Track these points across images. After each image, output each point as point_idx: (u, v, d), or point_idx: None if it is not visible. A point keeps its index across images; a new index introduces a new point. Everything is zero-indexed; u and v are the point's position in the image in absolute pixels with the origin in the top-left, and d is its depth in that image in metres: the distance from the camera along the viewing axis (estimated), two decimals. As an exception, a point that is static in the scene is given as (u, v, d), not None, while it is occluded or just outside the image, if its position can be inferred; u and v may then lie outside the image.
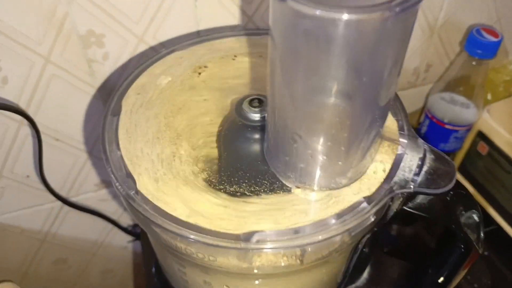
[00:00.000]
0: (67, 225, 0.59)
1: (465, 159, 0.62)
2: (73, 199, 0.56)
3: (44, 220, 0.57)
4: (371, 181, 0.29)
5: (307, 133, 0.26)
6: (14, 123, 0.45)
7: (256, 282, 0.31)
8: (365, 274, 0.41)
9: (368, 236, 0.33)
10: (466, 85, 0.57)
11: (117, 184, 0.28)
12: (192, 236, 0.26)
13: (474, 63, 0.54)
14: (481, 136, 0.58)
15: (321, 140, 0.26)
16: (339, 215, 0.27)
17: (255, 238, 0.26)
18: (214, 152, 0.31)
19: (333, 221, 0.27)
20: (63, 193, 0.55)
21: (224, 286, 0.32)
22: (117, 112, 0.33)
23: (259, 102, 0.32)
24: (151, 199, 0.27)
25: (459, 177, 0.62)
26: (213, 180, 0.29)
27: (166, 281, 0.41)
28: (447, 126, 0.59)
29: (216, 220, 0.26)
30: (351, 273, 0.39)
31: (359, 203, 0.28)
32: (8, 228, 0.55)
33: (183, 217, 0.27)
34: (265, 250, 0.26)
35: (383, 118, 0.28)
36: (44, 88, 0.44)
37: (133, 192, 0.28)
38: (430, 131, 0.61)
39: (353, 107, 0.24)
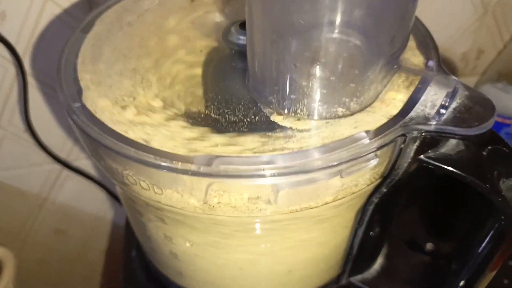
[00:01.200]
0: (66, 192, 0.55)
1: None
2: (74, 163, 0.52)
3: (42, 182, 0.54)
4: (379, 114, 0.22)
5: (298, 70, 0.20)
6: (12, 67, 0.42)
7: (223, 240, 0.25)
8: (377, 266, 0.33)
9: (374, 201, 0.26)
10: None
11: (61, 94, 0.23)
12: (124, 150, 0.20)
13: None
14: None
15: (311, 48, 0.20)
16: (328, 148, 0.20)
17: (215, 163, 0.20)
18: (193, 77, 0.25)
19: (318, 154, 0.20)
20: (62, 155, 0.51)
21: (187, 243, 0.26)
22: (87, 30, 0.28)
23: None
24: (97, 116, 0.22)
25: None
26: (180, 105, 0.23)
27: (145, 261, 0.36)
28: (497, 119, 0.50)
29: (167, 142, 0.21)
30: (359, 261, 0.32)
31: (357, 138, 0.21)
32: (7, 187, 0.53)
33: (128, 133, 0.21)
34: (223, 178, 0.20)
35: (398, 50, 0.21)
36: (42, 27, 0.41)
37: (78, 105, 0.23)
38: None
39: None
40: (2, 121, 0.46)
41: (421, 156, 0.23)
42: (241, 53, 0.26)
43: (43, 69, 0.43)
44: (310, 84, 0.21)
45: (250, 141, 0.21)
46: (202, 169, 0.19)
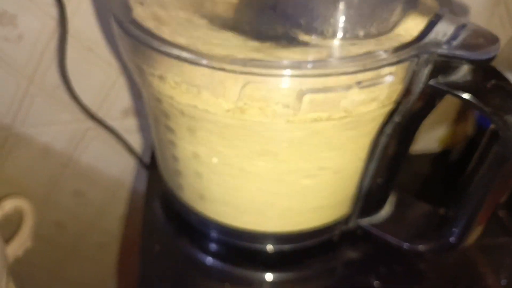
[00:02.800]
0: (91, 153, 0.58)
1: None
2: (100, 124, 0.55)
3: (68, 141, 0.56)
4: (396, 39, 0.25)
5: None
6: (52, 20, 0.45)
7: (248, 152, 0.27)
8: (383, 212, 0.35)
9: (387, 132, 0.28)
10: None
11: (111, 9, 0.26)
12: (169, 50, 0.23)
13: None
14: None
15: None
16: (349, 59, 0.23)
17: (249, 63, 0.22)
18: None
19: (339, 62, 0.23)
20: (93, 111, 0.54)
21: (214, 158, 0.28)
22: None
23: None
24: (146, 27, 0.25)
25: None
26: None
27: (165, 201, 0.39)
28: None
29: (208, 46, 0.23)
30: (367, 203, 0.34)
31: (376, 53, 0.23)
32: (34, 144, 0.56)
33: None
34: (256, 77, 0.22)
35: None
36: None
37: (129, 21, 0.26)
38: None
39: None
40: (36, 77, 0.49)
41: (432, 82, 0.25)
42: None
43: (84, 29, 0.46)
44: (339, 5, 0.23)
45: (280, 51, 0.23)
46: (238, 68, 0.22)
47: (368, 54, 0.23)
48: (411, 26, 0.25)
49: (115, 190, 0.64)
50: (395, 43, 0.24)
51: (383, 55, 0.23)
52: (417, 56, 0.24)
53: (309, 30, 0.25)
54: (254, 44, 0.23)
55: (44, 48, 0.47)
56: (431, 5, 0.28)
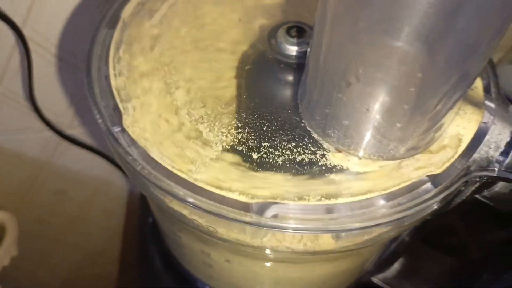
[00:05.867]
0: (67, 157, 0.54)
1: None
2: (75, 130, 0.50)
3: (41, 148, 0.51)
4: (442, 155, 0.21)
5: (363, 77, 0.18)
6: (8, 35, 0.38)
7: (267, 264, 0.24)
8: (397, 265, 0.34)
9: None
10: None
11: (98, 117, 0.21)
12: (180, 193, 0.19)
13: None
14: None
15: (379, 91, 0.18)
16: (391, 196, 0.20)
17: (271, 211, 0.18)
18: (231, 91, 0.23)
19: (382, 202, 0.19)
20: (64, 120, 0.49)
21: (225, 261, 0.25)
22: (113, 25, 0.25)
23: (298, 31, 0.24)
24: (138, 141, 0.20)
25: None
26: (226, 129, 0.21)
27: (162, 241, 0.36)
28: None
29: (221, 179, 0.19)
30: (381, 263, 0.32)
31: (421, 183, 0.20)
32: (5, 150, 0.50)
33: (177, 169, 0.20)
34: (282, 229, 0.19)
35: (472, 79, 0.19)
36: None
37: (118, 129, 0.21)
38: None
39: (432, 57, 0.16)
40: (2, 85, 0.43)
41: (477, 196, 0.22)
42: (288, 64, 0.24)
43: (44, 34, 0.40)
44: (378, 121, 0.19)
45: (308, 185, 0.20)
46: (259, 219, 0.18)
47: (414, 186, 0.20)
48: (456, 131, 0.22)
49: (97, 186, 0.60)
50: (443, 161, 0.21)
51: (431, 188, 0.20)
52: (463, 180, 0.21)
53: (340, 144, 0.21)
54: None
55: (8, 59, 0.40)
56: (475, 87, 0.24)
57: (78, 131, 0.51)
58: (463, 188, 0.21)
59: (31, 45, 0.39)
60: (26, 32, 0.38)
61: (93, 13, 0.39)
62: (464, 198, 0.22)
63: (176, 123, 0.21)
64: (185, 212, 0.20)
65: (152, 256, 0.37)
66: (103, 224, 0.66)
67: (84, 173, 0.57)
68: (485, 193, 0.22)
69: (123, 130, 0.21)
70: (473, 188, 0.22)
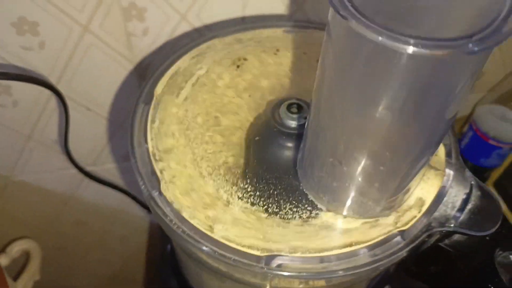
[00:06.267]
0: (89, 192, 0.59)
1: (502, 176, 0.58)
2: (98, 167, 0.56)
3: (67, 185, 0.57)
4: (410, 213, 0.27)
5: (348, 154, 0.24)
6: (45, 93, 0.45)
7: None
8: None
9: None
10: (520, 102, 0.53)
11: (141, 183, 0.27)
12: (206, 249, 0.24)
13: (533, 80, 0.50)
14: (526, 155, 0.54)
15: (362, 162, 0.24)
16: (370, 248, 0.25)
17: (276, 261, 0.24)
18: (244, 160, 0.29)
19: (363, 252, 0.25)
20: (89, 160, 0.55)
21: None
22: (148, 101, 0.31)
23: (298, 107, 0.30)
24: (173, 203, 0.26)
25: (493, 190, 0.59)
26: (241, 193, 0.27)
27: (179, 266, 0.41)
28: (491, 142, 0.55)
29: (237, 235, 0.25)
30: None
31: (393, 237, 0.26)
32: (34, 187, 0.56)
33: (203, 227, 0.25)
34: (285, 276, 0.24)
35: (436, 146, 0.25)
36: (80, 57, 0.43)
37: (157, 193, 0.27)
38: (472, 143, 0.58)
39: (405, 128, 0.22)
40: (35, 134, 0.49)
41: (439, 243, 0.28)
42: (289, 135, 0.30)
43: (78, 90, 0.46)
44: (359, 183, 0.25)
45: (305, 239, 0.25)
46: (267, 269, 0.24)
47: (389, 239, 0.25)
48: (421, 194, 0.27)
49: (115, 216, 0.66)
50: (410, 218, 0.26)
51: (401, 242, 0.25)
52: (426, 234, 0.26)
53: (331, 206, 0.27)
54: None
55: (41, 111, 0.47)
56: (438, 152, 0.30)
57: (100, 169, 0.57)
58: (427, 239, 0.27)
59: (67, 101, 0.45)
60: (61, 87, 0.44)
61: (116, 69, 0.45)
62: (429, 245, 0.28)
63: (202, 188, 0.27)
64: (208, 260, 0.26)
65: (171, 284, 0.43)
66: (120, 251, 0.72)
67: (103, 205, 0.63)
68: (446, 241, 0.28)
69: (161, 194, 0.27)
70: (436, 237, 0.27)
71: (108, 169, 0.57)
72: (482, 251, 0.29)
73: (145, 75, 0.47)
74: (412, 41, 0.16)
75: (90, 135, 0.52)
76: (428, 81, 0.18)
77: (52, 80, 0.44)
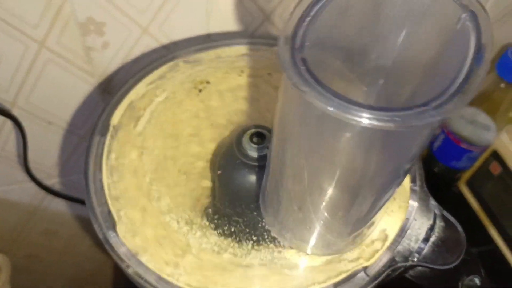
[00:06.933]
0: (55, 203, 0.58)
1: (474, 176, 0.59)
2: (64, 179, 0.55)
3: (33, 197, 0.56)
4: (373, 248, 0.26)
5: (309, 200, 0.23)
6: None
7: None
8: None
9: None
10: (490, 106, 0.53)
11: (96, 225, 0.26)
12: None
13: (502, 85, 0.50)
14: (495, 156, 0.54)
15: (322, 206, 0.23)
16: (335, 285, 0.25)
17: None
18: (206, 195, 0.28)
19: (326, 292, 0.25)
20: (54, 172, 0.53)
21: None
22: (104, 132, 0.30)
23: (260, 137, 0.29)
24: (129, 246, 0.25)
25: (465, 193, 0.60)
26: (202, 232, 0.27)
27: None
28: (462, 145, 0.56)
29: (198, 280, 0.24)
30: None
31: (357, 272, 0.25)
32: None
33: (161, 270, 0.25)
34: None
35: (399, 185, 0.25)
36: (38, 72, 0.41)
37: (113, 234, 0.26)
38: (443, 147, 0.58)
39: (362, 181, 0.22)
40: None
41: (404, 274, 0.28)
42: (252, 167, 0.29)
43: (37, 105, 0.44)
44: (322, 219, 0.24)
45: (267, 277, 0.25)
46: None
47: (353, 276, 0.25)
48: (384, 226, 0.27)
49: (84, 225, 0.64)
50: (374, 253, 0.26)
51: (366, 279, 0.25)
52: (390, 269, 0.26)
53: (292, 244, 0.26)
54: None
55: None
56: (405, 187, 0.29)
57: (66, 180, 0.55)
58: (390, 273, 0.27)
59: (24, 115, 0.43)
60: (19, 103, 0.42)
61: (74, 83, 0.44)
62: (393, 277, 0.28)
63: (161, 228, 0.26)
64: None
65: None
66: (91, 254, 0.71)
67: (70, 215, 0.61)
68: (411, 272, 0.28)
69: (117, 235, 0.26)
70: (400, 270, 0.27)
71: (74, 180, 0.55)
72: (447, 279, 0.29)
73: (108, 88, 0.45)
74: (365, 111, 0.15)
75: (53, 147, 0.50)
76: (382, 146, 0.18)
77: (9, 97, 0.42)
